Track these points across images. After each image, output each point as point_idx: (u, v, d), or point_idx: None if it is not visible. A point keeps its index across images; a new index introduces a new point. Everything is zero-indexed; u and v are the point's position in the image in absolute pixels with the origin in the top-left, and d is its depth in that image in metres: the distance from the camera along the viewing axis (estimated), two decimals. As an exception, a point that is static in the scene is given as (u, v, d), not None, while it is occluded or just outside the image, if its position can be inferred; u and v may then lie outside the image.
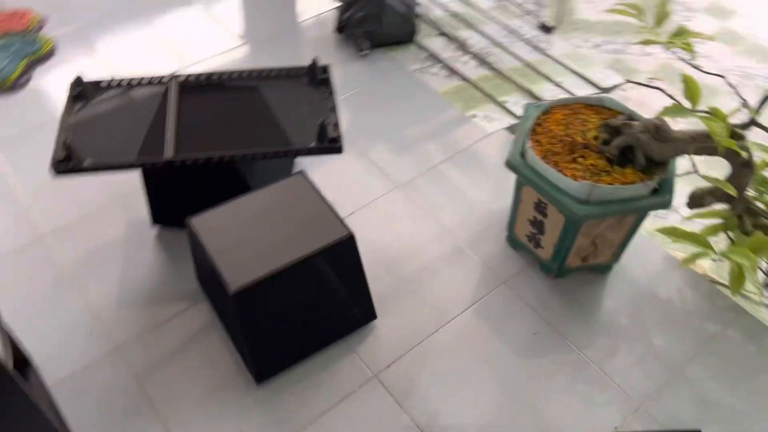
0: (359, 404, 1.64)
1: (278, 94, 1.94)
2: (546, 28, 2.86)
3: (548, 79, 2.59)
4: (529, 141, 1.72)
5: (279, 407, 1.63)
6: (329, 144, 1.78)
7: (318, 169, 2.19)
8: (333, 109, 1.89)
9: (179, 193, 1.93)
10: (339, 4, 2.71)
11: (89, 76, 1.93)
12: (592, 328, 1.81)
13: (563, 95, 2.51)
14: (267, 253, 1.55)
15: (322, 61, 1.99)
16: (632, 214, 1.72)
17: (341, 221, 1.63)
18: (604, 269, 1.93)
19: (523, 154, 1.73)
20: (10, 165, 2.18)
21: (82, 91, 1.88)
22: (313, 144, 1.78)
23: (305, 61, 2.10)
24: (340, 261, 1.64)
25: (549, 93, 2.52)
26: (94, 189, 2.09)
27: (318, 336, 1.72)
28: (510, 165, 1.73)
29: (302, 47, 2.71)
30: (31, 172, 2.15)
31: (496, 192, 2.14)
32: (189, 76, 1.96)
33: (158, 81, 1.94)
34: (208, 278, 1.73)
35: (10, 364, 1.24)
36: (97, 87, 1.92)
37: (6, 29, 2.64)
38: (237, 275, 1.51)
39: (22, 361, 1.65)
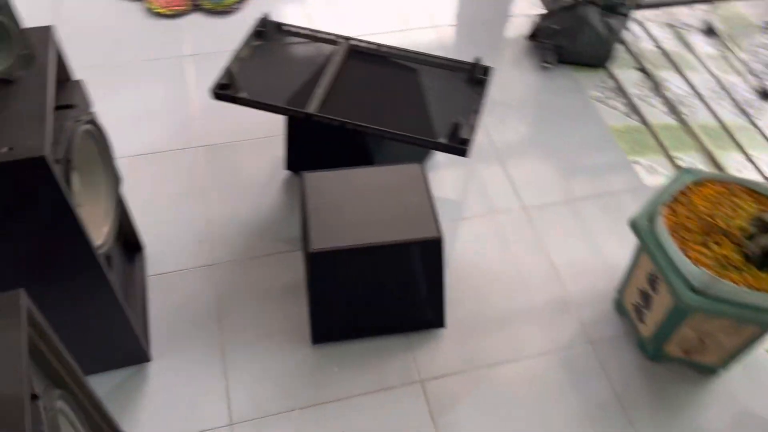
0: (394, 402, 1.64)
1: (433, 83, 1.95)
2: (765, 95, 2.52)
3: (741, 149, 2.30)
4: (663, 208, 1.56)
5: (320, 372, 1.68)
6: (457, 144, 1.76)
7: (453, 165, 2.17)
8: (477, 111, 1.85)
9: (313, 147, 2.03)
10: (544, 11, 2.62)
11: (283, 18, 2.08)
12: (669, 430, 1.62)
13: (749, 171, 2.21)
14: (356, 227, 1.59)
15: (490, 63, 1.96)
16: (753, 325, 1.49)
17: (436, 221, 1.61)
18: (707, 371, 1.71)
19: (651, 219, 1.57)
20: (198, 77, 2.44)
21: (264, 30, 2.03)
22: (441, 139, 1.77)
23: (486, 56, 2.07)
24: (422, 259, 1.63)
25: (734, 164, 2.24)
26: (250, 120, 2.27)
27: (381, 322, 1.74)
28: (633, 226, 1.58)
29: (490, 42, 2.66)
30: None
31: (623, 248, 1.97)
32: (360, 42, 2.03)
33: (333, 40, 2.04)
34: (304, 231, 1.82)
35: (104, 243, 1.42)
36: (279, 29, 2.06)
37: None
38: (321, 237, 1.57)
39: (135, 246, 1.88)
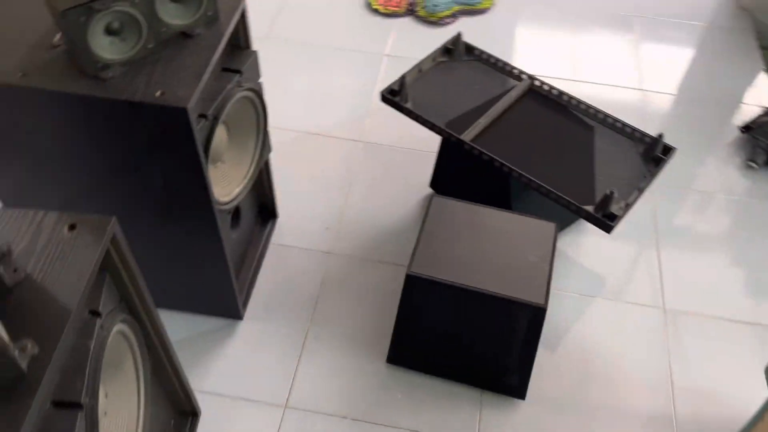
0: (443, 451, 1.57)
1: (605, 146, 1.81)
2: None
3: None
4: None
5: (384, 392, 1.66)
6: (602, 217, 1.62)
7: (603, 236, 2.01)
8: (641, 189, 1.69)
9: (458, 173, 2.00)
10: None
11: (476, 44, 2.08)
12: None
13: None
14: (461, 265, 1.54)
15: (689, 146, 1.77)
16: None
17: (546, 289, 1.50)
18: None
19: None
20: (387, 76, 2.52)
21: (453, 48, 2.03)
22: (587, 206, 1.64)
23: (686, 136, 1.88)
24: (518, 322, 1.52)
25: None
26: (415, 131, 2.28)
27: (460, 368, 1.66)
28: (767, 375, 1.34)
29: (697, 123, 2.40)
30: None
31: (759, 392, 1.68)
32: (543, 84, 1.95)
33: (516, 74, 1.98)
34: (413, 251, 1.80)
35: (230, 201, 1.52)
36: (468, 50, 2.05)
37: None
38: (423, 263, 1.54)
39: (270, 213, 2.00)
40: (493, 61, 2.03)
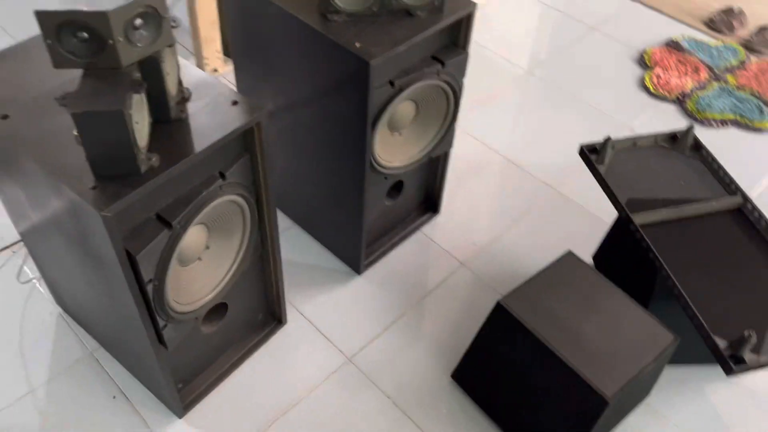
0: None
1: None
2: None
3: None
4: None
5: (432, 398, 1.70)
6: (729, 357, 1.44)
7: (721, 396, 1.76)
8: (794, 356, 1.46)
9: (616, 250, 1.91)
10: None
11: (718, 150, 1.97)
12: None
13: None
14: (555, 322, 1.50)
15: None
16: None
17: (620, 386, 1.40)
18: None
19: None
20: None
21: (681, 138, 1.94)
22: (718, 339, 1.47)
23: None
24: (579, 404, 1.44)
25: None
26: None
27: (510, 417, 1.62)
28: None
29: None
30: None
31: None
32: (755, 209, 1.77)
33: (731, 189, 1.83)
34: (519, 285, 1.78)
35: (390, 169, 1.70)
36: (695, 147, 1.94)
37: (754, 86, 2.72)
38: (520, 299, 1.54)
39: (433, 206, 2.13)
40: (715, 166, 1.89)
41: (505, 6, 3.18)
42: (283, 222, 2.09)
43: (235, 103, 1.27)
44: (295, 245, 2.03)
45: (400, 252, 2.05)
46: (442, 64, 1.60)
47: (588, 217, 2.20)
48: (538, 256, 2.06)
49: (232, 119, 1.24)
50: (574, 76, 2.77)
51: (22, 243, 1.93)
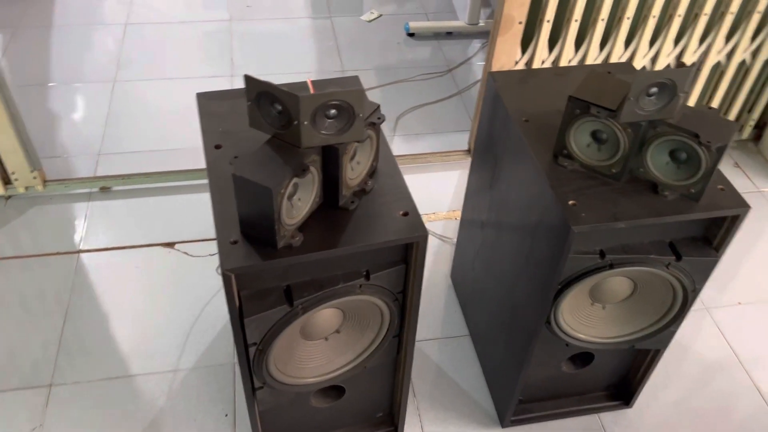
0: None
1: None
2: None
3: None
4: None
5: None
6: None
7: None
8: None
9: None
10: None
11: None
12: None
13: None
14: None
15: None
16: None
17: None
18: None
19: None
20: None
21: None
22: None
23: None
24: None
25: None
26: None
27: None
28: None
29: None
30: None
31: None
32: None
33: None
34: None
35: (565, 333, 1.46)
36: None
37: None
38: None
39: (624, 396, 1.80)
40: None
41: None
42: (461, 328, 1.95)
43: (405, 214, 1.20)
44: (456, 357, 1.88)
45: (562, 425, 1.75)
46: (678, 257, 1.31)
47: None
48: None
49: (394, 230, 1.17)
50: None
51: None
